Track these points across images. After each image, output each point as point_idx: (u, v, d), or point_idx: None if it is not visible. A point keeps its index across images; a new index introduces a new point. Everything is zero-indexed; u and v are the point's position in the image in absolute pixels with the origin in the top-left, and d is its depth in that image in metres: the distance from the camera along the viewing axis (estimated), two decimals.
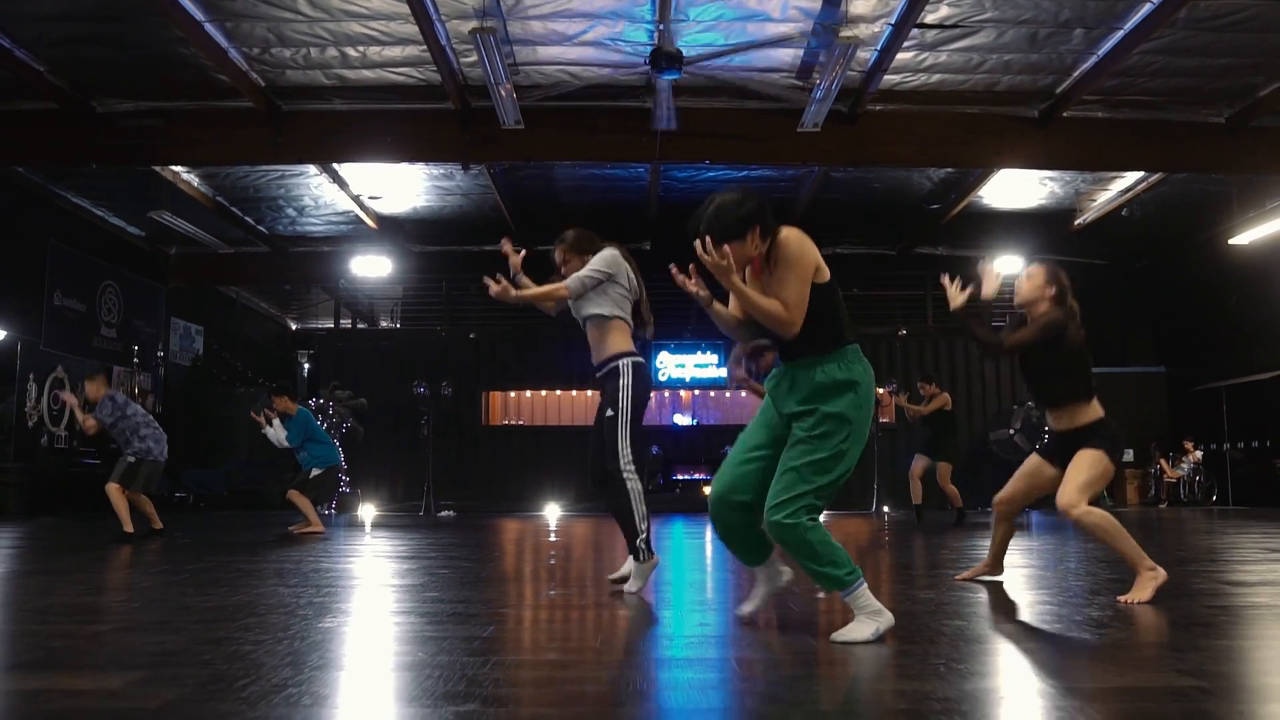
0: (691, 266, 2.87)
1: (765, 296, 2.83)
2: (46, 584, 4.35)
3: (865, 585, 2.77)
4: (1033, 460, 4.10)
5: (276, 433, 8.57)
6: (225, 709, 1.88)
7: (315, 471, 8.47)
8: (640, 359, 4.09)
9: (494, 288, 3.87)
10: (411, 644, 2.68)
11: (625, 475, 3.88)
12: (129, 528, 7.14)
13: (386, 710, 1.91)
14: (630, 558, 3.96)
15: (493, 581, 4.47)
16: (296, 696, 1.98)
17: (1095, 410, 3.94)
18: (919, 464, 9.63)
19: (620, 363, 4.01)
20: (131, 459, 7.44)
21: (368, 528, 9.39)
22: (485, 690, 2.03)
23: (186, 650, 2.52)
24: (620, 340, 4.05)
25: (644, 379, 4.05)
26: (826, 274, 2.89)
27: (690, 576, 4.82)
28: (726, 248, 2.77)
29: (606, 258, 4.07)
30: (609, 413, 3.97)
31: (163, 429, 7.89)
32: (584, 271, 4.03)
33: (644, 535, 3.84)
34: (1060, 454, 3.94)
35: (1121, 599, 3.54)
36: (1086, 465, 3.78)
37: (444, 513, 12.15)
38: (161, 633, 2.84)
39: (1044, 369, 3.99)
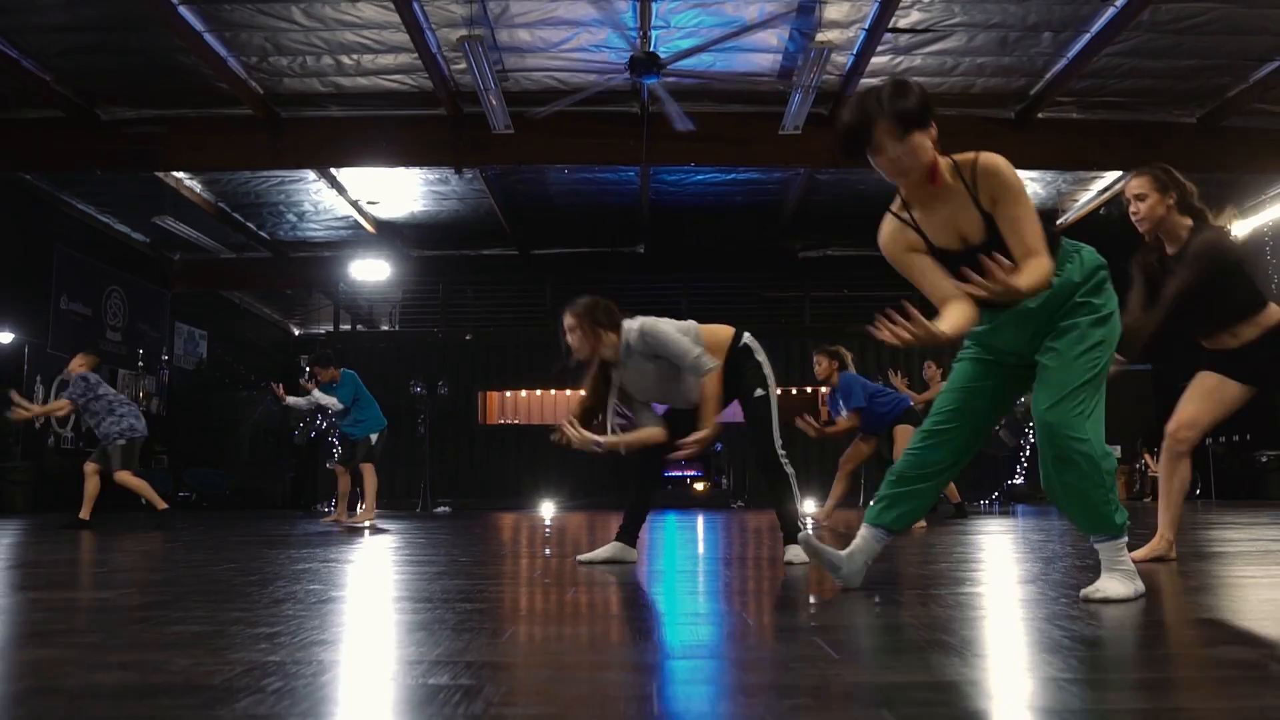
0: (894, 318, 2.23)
1: (1022, 264, 2.27)
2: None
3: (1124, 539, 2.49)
4: (1209, 379, 3.62)
5: (323, 397, 8.33)
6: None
7: (374, 437, 8.38)
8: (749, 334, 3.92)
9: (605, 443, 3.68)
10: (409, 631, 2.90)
11: (783, 459, 3.76)
12: (161, 504, 7.31)
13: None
14: (790, 550, 3.72)
15: (483, 567, 4.70)
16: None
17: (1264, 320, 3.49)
18: None
19: (743, 343, 3.81)
20: (121, 441, 7.40)
21: (367, 523, 9.64)
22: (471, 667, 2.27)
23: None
24: (720, 330, 3.87)
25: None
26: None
27: (686, 572, 5.06)
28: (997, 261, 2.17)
29: (661, 321, 3.75)
30: (758, 392, 3.75)
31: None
32: (689, 350, 3.63)
33: (796, 529, 3.66)
34: (1234, 368, 3.54)
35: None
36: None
37: (440, 508, 12.43)
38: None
39: (1215, 294, 3.48)
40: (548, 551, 4.73)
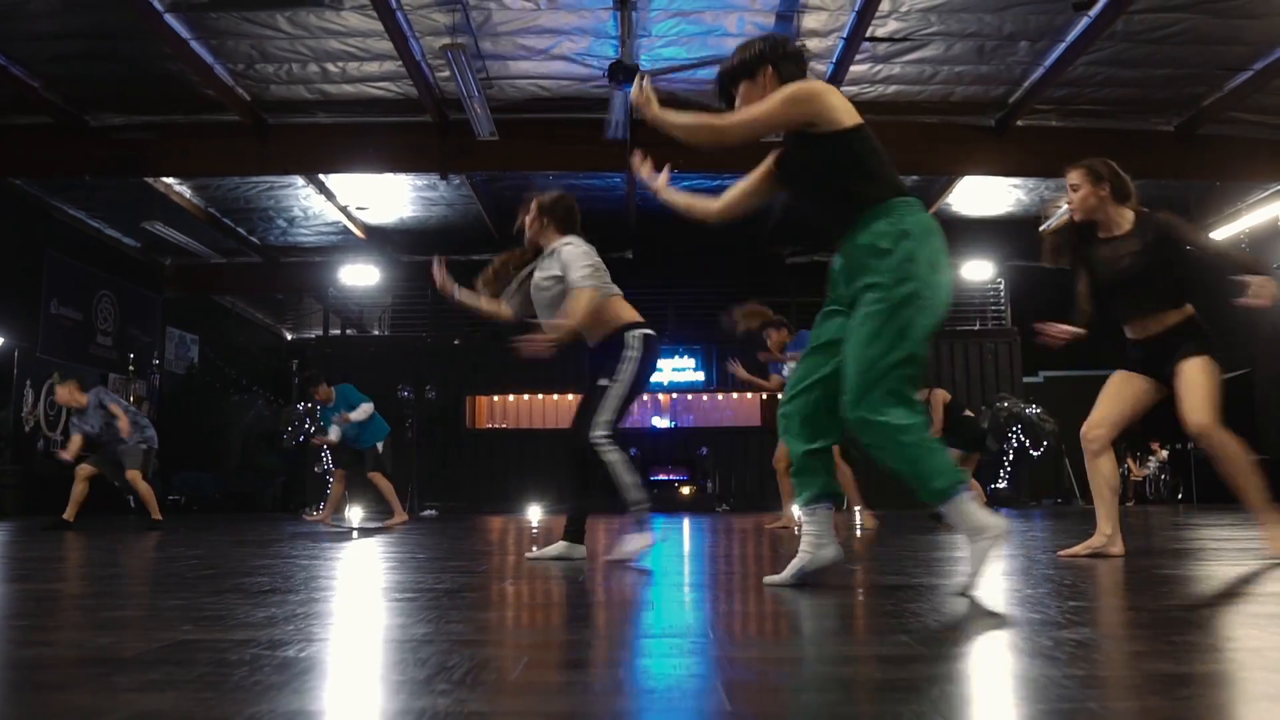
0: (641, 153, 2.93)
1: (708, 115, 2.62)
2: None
3: (972, 494, 2.44)
4: (1116, 377, 3.77)
5: (337, 429, 8.27)
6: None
7: (380, 445, 8.37)
8: (652, 332, 3.78)
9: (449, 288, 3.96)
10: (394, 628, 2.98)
11: (602, 447, 3.57)
12: (158, 514, 7.49)
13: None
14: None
15: (470, 566, 4.78)
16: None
17: (1187, 310, 3.62)
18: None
19: (628, 335, 3.71)
20: (144, 445, 7.68)
21: (355, 525, 9.73)
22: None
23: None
24: (626, 310, 3.80)
25: (653, 354, 3.73)
26: (846, 120, 2.53)
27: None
28: (648, 84, 2.65)
29: (585, 248, 3.82)
30: (601, 381, 3.67)
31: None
32: (581, 272, 3.71)
33: (645, 503, 3.59)
34: (1145, 363, 3.67)
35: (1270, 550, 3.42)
36: (1200, 375, 3.48)
37: (427, 511, 12.52)
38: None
39: (1166, 274, 3.62)
40: (532, 550, 4.80)
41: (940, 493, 2.41)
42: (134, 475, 7.61)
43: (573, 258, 3.72)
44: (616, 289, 3.85)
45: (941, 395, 8.83)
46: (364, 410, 8.23)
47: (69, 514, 7.41)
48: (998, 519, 2.40)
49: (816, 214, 2.69)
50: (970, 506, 2.42)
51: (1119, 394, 3.78)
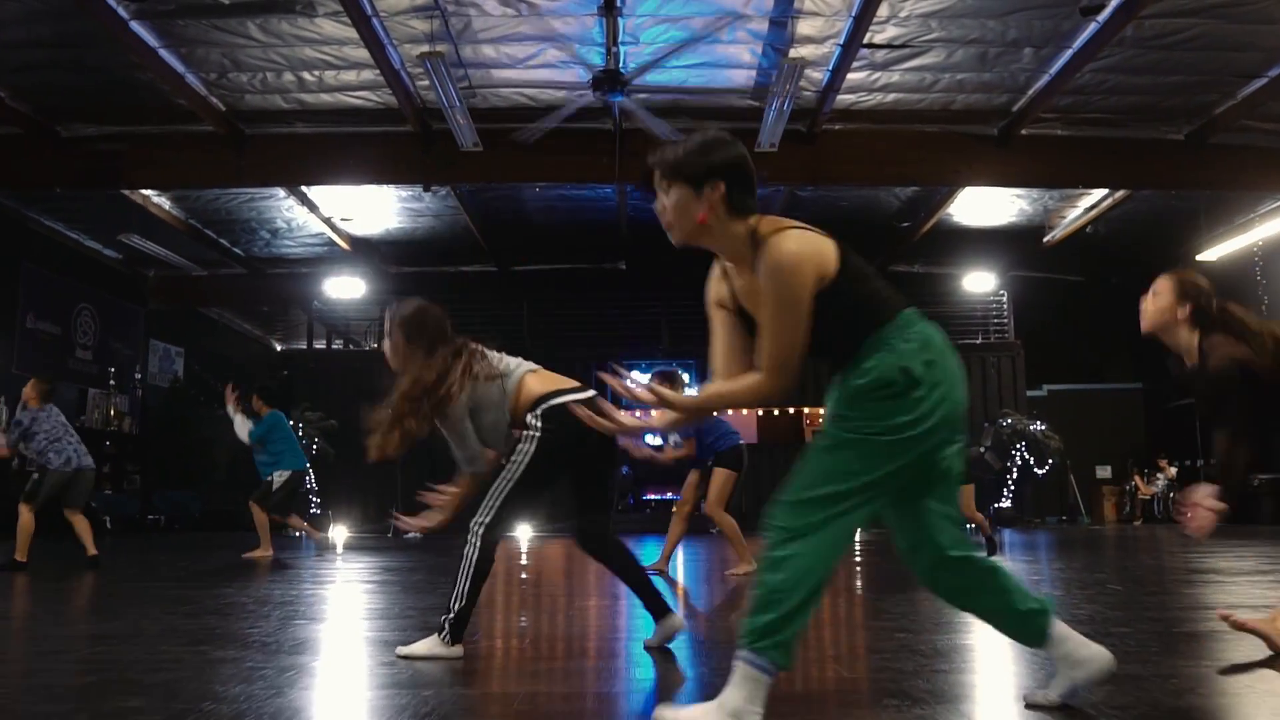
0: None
1: (733, 380, 2.19)
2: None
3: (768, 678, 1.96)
4: None
5: (240, 426, 8.35)
6: None
7: (276, 478, 8.24)
8: (562, 400, 3.07)
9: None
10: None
11: (470, 536, 3.00)
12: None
13: None
14: (434, 635, 2.99)
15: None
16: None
17: None
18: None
19: (529, 415, 3.09)
20: (35, 474, 7.02)
21: (338, 549, 9.43)
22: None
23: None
24: (535, 385, 3.16)
25: (561, 427, 3.01)
26: (834, 263, 2.08)
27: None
28: (656, 387, 2.17)
29: (501, 396, 3.16)
30: (502, 460, 3.12)
31: (71, 435, 7.30)
32: (475, 466, 3.17)
33: (452, 615, 2.96)
34: None
35: None
36: None
37: (410, 535, 12.15)
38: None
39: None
40: (523, 621, 4.42)
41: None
42: (70, 513, 7.02)
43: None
44: (522, 368, 3.21)
45: None
46: (242, 428, 8.30)
47: (20, 554, 6.84)
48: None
49: (819, 356, 2.21)
50: None
51: None
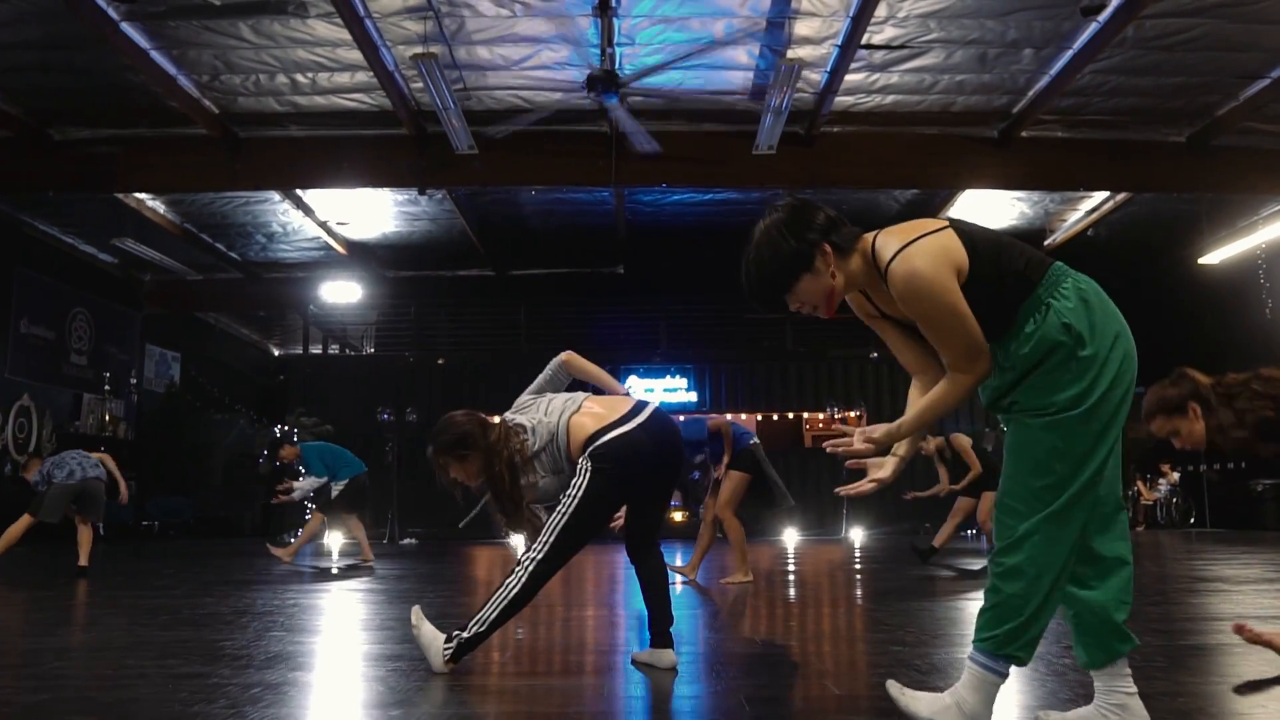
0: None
1: (929, 395, 2.15)
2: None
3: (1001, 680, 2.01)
4: None
5: (308, 484, 8.17)
6: None
7: (334, 488, 8.19)
8: (622, 430, 3.01)
9: None
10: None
11: (521, 566, 2.92)
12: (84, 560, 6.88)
13: None
14: (444, 637, 2.93)
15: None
16: None
17: None
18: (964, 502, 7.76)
19: (580, 460, 3.01)
20: (41, 487, 7.11)
21: (334, 557, 9.33)
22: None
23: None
24: (588, 424, 3.07)
25: (621, 464, 2.97)
26: (963, 254, 2.04)
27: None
28: (868, 433, 2.14)
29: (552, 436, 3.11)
30: (560, 497, 3.03)
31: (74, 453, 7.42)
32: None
33: (466, 635, 2.87)
34: None
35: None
36: None
37: (406, 541, 12.05)
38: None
39: None
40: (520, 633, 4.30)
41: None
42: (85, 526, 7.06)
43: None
44: (563, 416, 3.11)
45: (962, 440, 7.75)
46: (308, 484, 8.07)
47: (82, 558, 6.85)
48: None
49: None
50: None
51: None
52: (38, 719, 2.24)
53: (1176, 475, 13.77)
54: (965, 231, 2.06)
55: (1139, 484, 14.14)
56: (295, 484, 8.19)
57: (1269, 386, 2.89)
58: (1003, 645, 1.94)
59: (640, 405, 3.13)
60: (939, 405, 2.11)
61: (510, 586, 2.88)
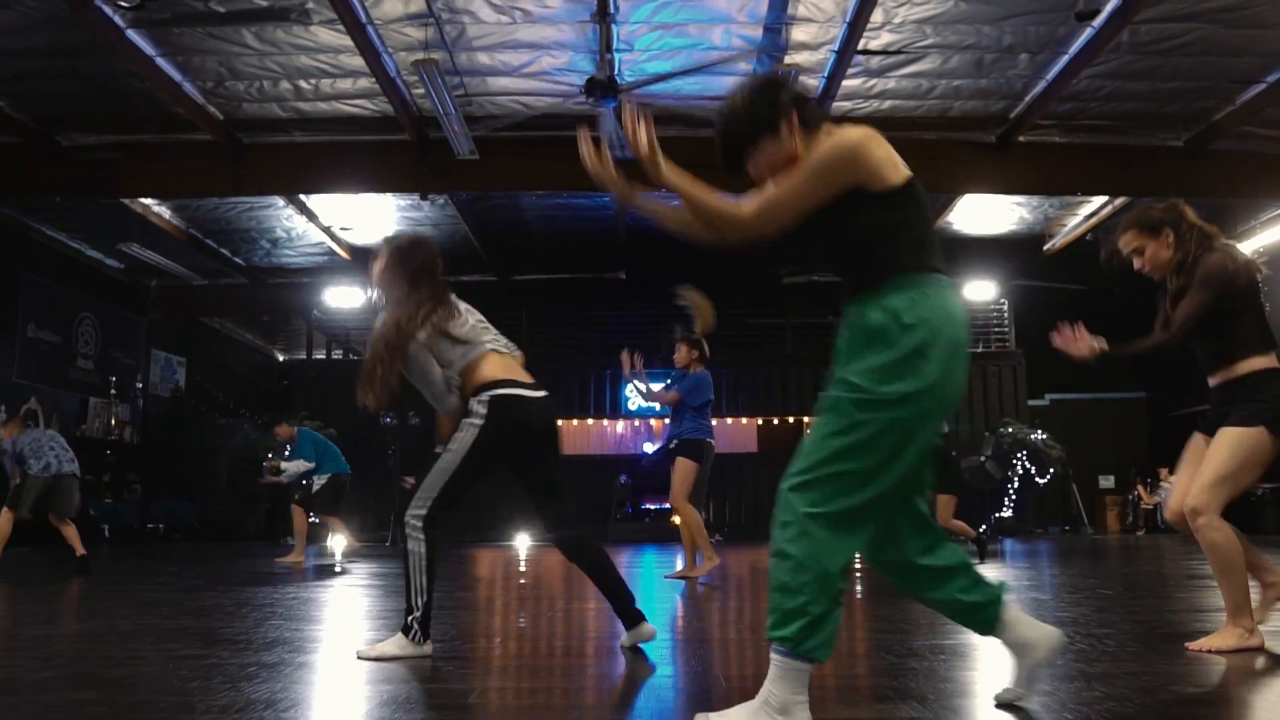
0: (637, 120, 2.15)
1: (719, 195, 2.10)
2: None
3: (806, 667, 1.89)
4: (1194, 443, 3.13)
5: (294, 467, 8.40)
6: None
7: (316, 482, 8.37)
8: (516, 392, 3.08)
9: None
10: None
11: (409, 529, 2.99)
12: (81, 550, 6.90)
13: None
14: (400, 634, 2.96)
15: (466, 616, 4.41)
16: None
17: (1266, 360, 3.01)
18: (942, 505, 7.68)
19: (474, 400, 3.04)
20: (16, 479, 7.11)
21: (337, 558, 9.39)
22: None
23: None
24: (490, 368, 3.11)
25: (513, 418, 3.03)
26: (895, 177, 2.01)
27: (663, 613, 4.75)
28: (647, 124, 2.12)
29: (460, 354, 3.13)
30: (437, 450, 3.12)
31: (52, 443, 7.37)
32: (444, 403, 3.16)
33: (419, 613, 2.93)
34: (1214, 421, 3.06)
35: (1193, 646, 2.93)
36: (1226, 447, 2.89)
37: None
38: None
39: (1215, 327, 3.06)
40: (521, 622, 4.37)
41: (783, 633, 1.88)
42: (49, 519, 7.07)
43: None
44: (488, 344, 3.18)
45: None
46: (294, 466, 8.29)
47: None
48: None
49: (834, 267, 2.17)
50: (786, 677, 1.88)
51: (1195, 459, 3.12)
52: (41, 693, 2.32)
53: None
54: (917, 189, 2.05)
55: (1139, 488, 14.16)
56: (283, 464, 8.36)
57: (1237, 271, 3.02)
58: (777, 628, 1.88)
59: (538, 386, 3.19)
60: (708, 199, 2.08)
61: (417, 553, 2.95)
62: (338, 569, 7.34)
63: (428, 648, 2.95)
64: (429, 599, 2.95)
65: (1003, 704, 2.12)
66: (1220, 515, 2.92)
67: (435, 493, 2.98)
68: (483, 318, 3.32)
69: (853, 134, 2.00)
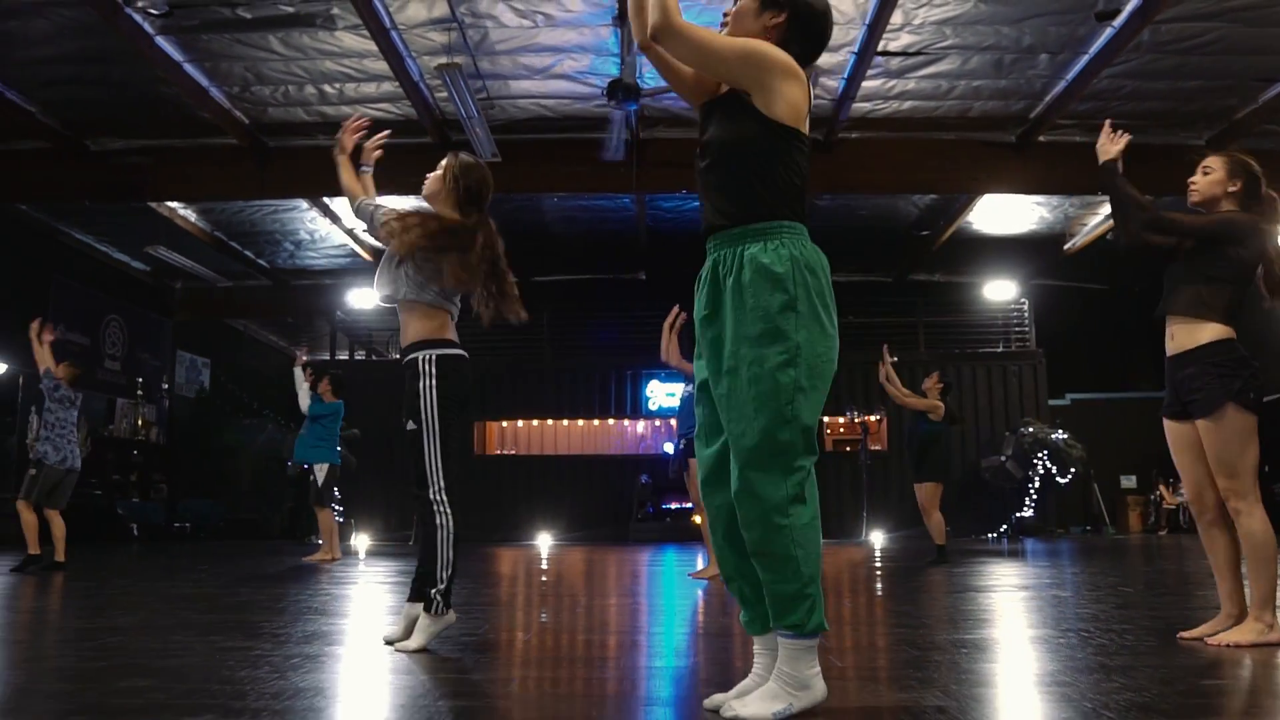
0: None
1: None
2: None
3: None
4: (1171, 429, 3.18)
5: (303, 396, 8.79)
6: None
7: (318, 471, 8.48)
8: (451, 352, 3.17)
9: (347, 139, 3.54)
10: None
11: (436, 507, 3.06)
12: (35, 549, 6.86)
13: None
14: (410, 609, 3.08)
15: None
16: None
17: (1225, 331, 3.07)
18: (924, 493, 7.50)
19: (421, 355, 3.13)
20: (32, 470, 7.11)
21: (360, 555, 9.53)
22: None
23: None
24: (425, 325, 3.18)
25: (454, 378, 3.12)
26: (789, 117, 2.07)
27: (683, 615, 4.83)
28: None
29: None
30: (410, 426, 3.14)
31: (74, 435, 7.39)
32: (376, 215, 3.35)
33: (443, 585, 3.01)
34: (1173, 405, 3.14)
35: (1213, 640, 2.99)
36: (1218, 440, 2.97)
37: None
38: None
39: (1191, 272, 3.13)
40: (544, 617, 4.46)
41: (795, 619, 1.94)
42: (19, 504, 7.04)
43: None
44: (455, 307, 3.28)
45: (934, 407, 7.59)
46: (303, 388, 8.82)
47: (33, 547, 6.84)
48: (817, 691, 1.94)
49: (708, 192, 2.15)
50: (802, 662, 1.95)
51: (1181, 449, 3.20)
52: (100, 681, 2.41)
53: None
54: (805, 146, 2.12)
55: (1161, 488, 14.11)
56: (305, 383, 8.80)
57: (1253, 239, 3.09)
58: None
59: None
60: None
61: (445, 527, 3.05)
62: (361, 565, 7.42)
63: (451, 616, 3.06)
64: (454, 571, 3.05)
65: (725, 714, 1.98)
66: (1260, 504, 3.03)
67: (439, 465, 3.08)
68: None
69: (787, 58, 2.08)
